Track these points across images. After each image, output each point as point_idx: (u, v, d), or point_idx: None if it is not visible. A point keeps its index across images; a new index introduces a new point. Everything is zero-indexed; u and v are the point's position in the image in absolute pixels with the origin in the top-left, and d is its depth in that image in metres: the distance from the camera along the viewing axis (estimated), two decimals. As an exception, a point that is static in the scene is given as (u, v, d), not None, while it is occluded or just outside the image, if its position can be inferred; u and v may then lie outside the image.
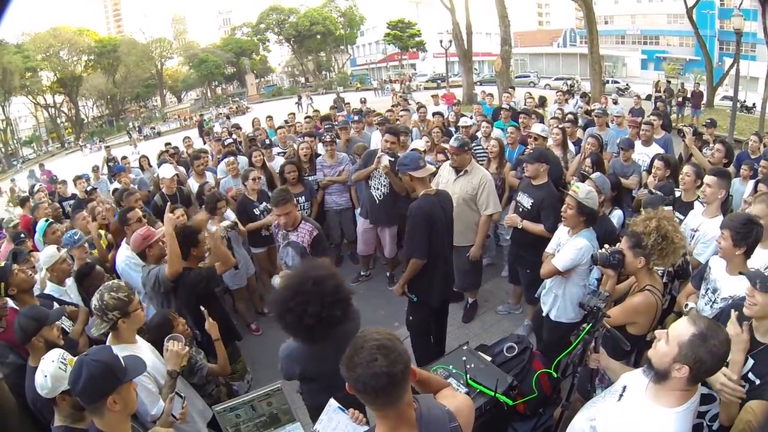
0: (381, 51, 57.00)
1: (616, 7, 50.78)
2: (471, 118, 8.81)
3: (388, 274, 6.68)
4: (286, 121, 11.44)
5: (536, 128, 6.34)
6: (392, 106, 11.63)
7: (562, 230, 4.04)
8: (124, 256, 4.48)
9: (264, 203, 5.88)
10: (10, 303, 3.65)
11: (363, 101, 13.19)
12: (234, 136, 10.15)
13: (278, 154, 7.85)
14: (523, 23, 54.55)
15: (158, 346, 2.96)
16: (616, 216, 4.63)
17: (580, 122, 8.61)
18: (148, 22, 56.52)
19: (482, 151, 6.93)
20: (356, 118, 8.40)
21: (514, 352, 3.74)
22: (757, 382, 2.34)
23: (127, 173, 8.44)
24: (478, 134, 7.63)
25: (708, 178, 4.02)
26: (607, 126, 7.97)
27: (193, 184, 6.81)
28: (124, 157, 11.08)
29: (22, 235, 5.57)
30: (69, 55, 50.41)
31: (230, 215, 5.41)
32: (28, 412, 2.84)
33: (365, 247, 6.61)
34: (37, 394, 2.40)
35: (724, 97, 23.80)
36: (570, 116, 8.12)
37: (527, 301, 5.28)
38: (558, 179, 5.50)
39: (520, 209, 4.90)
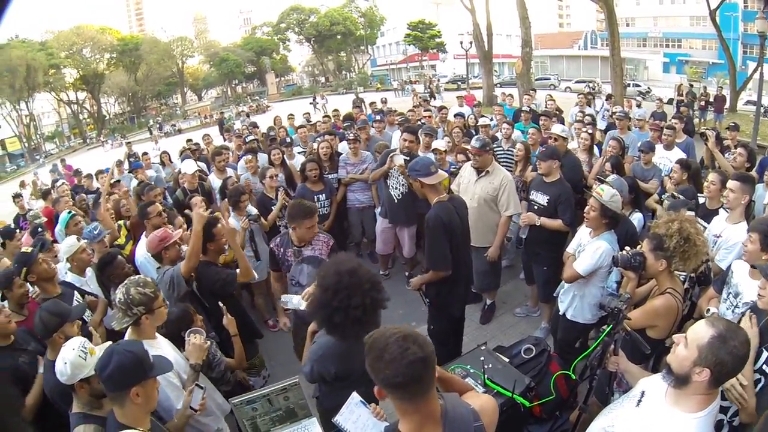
0: (401, 52, 56.97)
1: (638, 9, 50.11)
2: (491, 119, 8.77)
3: (406, 273, 6.67)
4: (308, 120, 11.50)
5: (556, 129, 6.31)
6: (413, 106, 11.62)
7: (583, 231, 4.02)
8: (144, 252, 4.49)
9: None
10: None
11: (384, 101, 13.19)
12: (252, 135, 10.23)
13: (299, 152, 7.89)
14: (543, 25, 54.12)
15: (175, 340, 2.99)
16: (636, 219, 4.60)
17: (601, 125, 8.53)
18: (169, 20, 57.01)
19: (503, 152, 6.92)
20: (378, 117, 8.41)
21: (532, 354, 3.72)
22: None
23: (143, 170, 8.52)
24: (498, 135, 7.60)
25: (731, 183, 3.93)
26: (629, 129, 7.89)
27: (214, 180, 6.89)
28: (145, 153, 11.18)
29: (40, 229, 5.68)
30: (92, 53, 51.30)
31: (252, 209, 5.46)
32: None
33: (384, 247, 6.62)
34: (55, 385, 2.46)
35: (748, 102, 23.30)
36: (588, 118, 8.05)
37: (542, 299, 5.27)
38: (579, 182, 5.48)
39: (536, 207, 4.93)
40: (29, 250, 3.87)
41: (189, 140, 11.43)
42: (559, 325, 4.22)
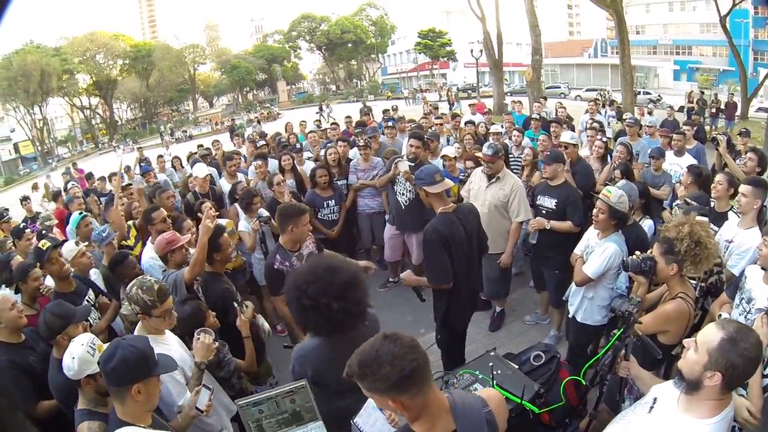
0: (412, 60, 57.21)
1: (648, 16, 50.06)
2: (502, 127, 8.78)
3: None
4: (318, 126, 11.54)
5: (565, 136, 6.29)
6: (425, 114, 11.63)
7: (590, 232, 4.03)
8: (149, 256, 4.54)
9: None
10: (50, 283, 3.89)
11: (394, 109, 13.24)
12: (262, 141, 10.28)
13: (308, 158, 7.92)
14: (553, 33, 54.16)
15: (188, 338, 3.00)
16: (647, 225, 4.55)
17: (609, 133, 8.52)
18: (182, 28, 57.71)
19: (513, 159, 6.93)
20: (390, 124, 8.45)
21: (541, 361, 3.70)
22: None
23: (153, 174, 8.56)
24: (508, 142, 7.60)
25: (743, 188, 3.86)
26: (639, 136, 7.86)
27: (224, 185, 6.93)
28: (160, 156, 11.29)
29: (44, 231, 5.76)
30: (105, 59, 52.14)
31: (264, 211, 5.49)
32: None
33: (392, 253, 6.61)
34: (61, 382, 2.49)
35: (759, 108, 23.29)
36: (596, 125, 8.04)
37: (553, 304, 5.23)
38: (591, 189, 5.46)
39: (543, 211, 4.94)
40: (45, 246, 3.92)
41: (200, 146, 11.50)
42: (570, 329, 4.22)
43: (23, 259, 4.41)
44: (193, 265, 3.58)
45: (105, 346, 2.38)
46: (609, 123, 10.47)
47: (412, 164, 5.76)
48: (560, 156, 5.06)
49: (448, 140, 8.45)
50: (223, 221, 5.27)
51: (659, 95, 33.39)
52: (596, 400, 2.95)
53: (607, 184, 4.30)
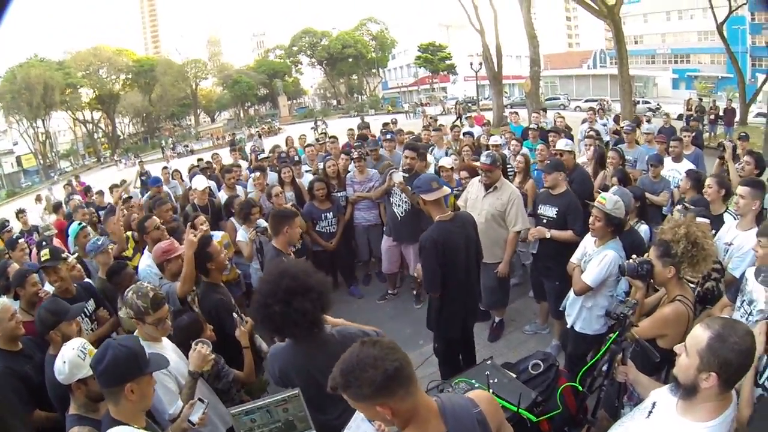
0: (412, 74, 57.49)
1: (646, 26, 50.37)
2: (501, 137, 8.80)
3: (414, 292, 6.63)
4: (317, 140, 11.59)
5: (560, 144, 6.32)
6: (423, 127, 11.68)
7: (587, 240, 3.99)
8: (146, 264, 4.59)
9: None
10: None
11: (394, 122, 13.34)
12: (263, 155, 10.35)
13: (306, 171, 7.95)
14: (552, 45, 54.50)
15: (184, 348, 2.99)
16: (643, 230, 4.53)
17: (606, 139, 8.57)
18: (184, 43, 58.17)
19: (511, 168, 6.94)
20: (388, 137, 8.51)
21: (540, 370, 3.65)
22: None
23: (160, 188, 8.59)
24: (506, 152, 7.62)
25: (741, 189, 3.85)
26: (637, 143, 7.88)
27: (223, 197, 6.92)
28: (165, 168, 11.36)
29: (44, 243, 5.78)
30: (108, 73, 52.61)
31: (262, 222, 5.49)
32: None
33: (389, 265, 6.58)
34: (56, 381, 2.46)
35: (758, 114, 23.31)
36: (593, 133, 8.07)
37: (554, 315, 5.17)
38: (589, 196, 5.45)
39: (544, 221, 4.90)
40: (45, 256, 3.99)
41: (200, 159, 11.55)
42: (569, 339, 4.17)
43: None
44: (183, 281, 3.61)
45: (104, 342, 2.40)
46: (607, 131, 10.50)
47: (407, 175, 5.79)
48: (560, 165, 5.05)
49: (446, 152, 8.47)
50: (219, 234, 5.32)
51: (658, 104, 33.52)
52: (594, 406, 2.91)
53: (600, 192, 4.28)
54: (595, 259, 3.74)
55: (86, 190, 11.26)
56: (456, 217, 3.93)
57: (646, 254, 3.13)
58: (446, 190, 3.94)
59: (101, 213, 7.69)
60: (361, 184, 6.79)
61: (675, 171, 6.25)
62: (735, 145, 6.69)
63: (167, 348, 2.91)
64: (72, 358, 2.37)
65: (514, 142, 7.59)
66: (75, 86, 48.79)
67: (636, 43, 48.46)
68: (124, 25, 68.12)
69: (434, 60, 52.32)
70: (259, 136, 25.77)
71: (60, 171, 45.92)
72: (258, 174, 6.95)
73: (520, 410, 2.92)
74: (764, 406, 2.18)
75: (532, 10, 24.88)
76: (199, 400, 2.65)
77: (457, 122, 12.69)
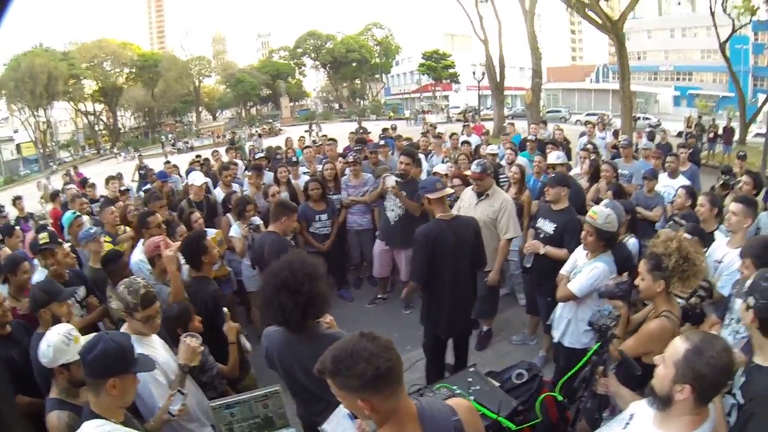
0: (415, 81, 57.73)
1: (650, 42, 50.75)
2: (499, 148, 8.83)
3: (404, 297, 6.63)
4: (314, 141, 11.61)
5: (551, 157, 6.35)
6: (422, 133, 11.72)
7: (579, 252, 3.96)
8: (138, 258, 4.55)
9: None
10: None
11: (393, 128, 13.41)
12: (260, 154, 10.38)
13: (304, 173, 7.96)
14: (556, 58, 54.83)
15: (173, 337, 3.02)
16: (631, 244, 4.51)
17: (604, 155, 8.62)
18: (189, 40, 58.25)
19: (504, 178, 6.94)
20: (382, 142, 8.52)
21: (524, 379, 3.64)
22: (742, 401, 2.26)
23: (166, 183, 8.57)
24: (502, 162, 7.64)
25: (734, 206, 3.86)
26: (634, 158, 7.91)
27: (219, 194, 6.96)
28: (167, 162, 11.39)
29: (46, 227, 5.82)
30: (112, 66, 52.82)
31: (256, 219, 5.53)
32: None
33: (381, 269, 6.59)
34: (40, 364, 2.49)
35: (757, 134, 23.41)
36: (590, 146, 8.10)
37: (545, 329, 5.17)
38: (581, 208, 5.45)
39: (541, 235, 4.82)
40: (44, 239, 4.11)
41: (198, 156, 11.58)
42: (560, 354, 4.13)
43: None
44: (173, 294, 3.63)
45: (82, 338, 2.45)
46: (605, 144, 10.56)
47: (399, 179, 5.81)
48: (564, 179, 4.91)
49: (443, 159, 8.50)
50: (213, 231, 5.34)
51: (659, 120, 33.57)
52: (574, 415, 2.91)
53: (592, 204, 4.28)
54: (585, 269, 3.72)
55: (83, 182, 11.26)
56: (456, 219, 4.12)
57: (624, 275, 3.12)
58: (449, 190, 4.28)
59: (94, 206, 7.70)
60: (356, 188, 6.79)
61: (670, 187, 6.24)
62: (729, 167, 6.74)
63: (156, 343, 2.91)
64: (56, 342, 2.40)
65: (508, 151, 7.61)
66: (78, 77, 49.03)
67: (639, 59, 48.82)
68: (131, 19, 68.40)
69: (437, 68, 52.49)
70: (260, 136, 25.82)
71: (59, 161, 45.82)
72: (250, 173, 7.02)
73: (499, 418, 2.92)
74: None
75: (537, 23, 25.05)
76: (179, 391, 2.65)
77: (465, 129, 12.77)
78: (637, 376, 2.60)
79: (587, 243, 3.70)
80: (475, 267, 4.28)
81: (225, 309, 3.58)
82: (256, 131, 35.89)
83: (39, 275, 4.11)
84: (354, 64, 57.98)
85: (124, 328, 2.85)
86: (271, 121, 52.12)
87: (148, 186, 8.75)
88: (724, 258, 3.83)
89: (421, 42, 54.37)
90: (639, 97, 41.06)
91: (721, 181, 6.43)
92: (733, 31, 24.62)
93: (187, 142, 43.47)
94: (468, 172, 5.46)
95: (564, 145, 9.30)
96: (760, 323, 2.24)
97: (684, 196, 5.11)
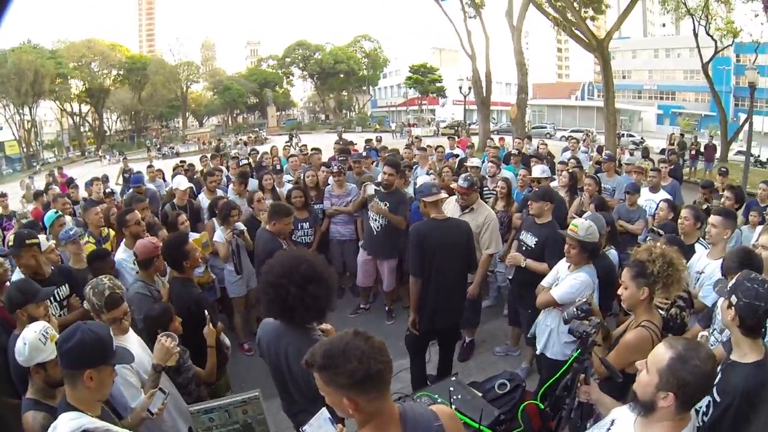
0: (402, 94, 57.85)
1: (634, 62, 51.77)
2: (482, 161, 8.89)
3: (386, 308, 6.63)
4: (301, 150, 11.61)
5: (536, 171, 6.41)
6: (406, 145, 11.78)
7: (561, 264, 3.98)
8: (120, 257, 4.54)
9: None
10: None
11: (378, 139, 13.50)
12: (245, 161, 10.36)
13: (288, 181, 7.95)
14: (543, 75, 55.46)
15: (152, 338, 2.97)
16: (612, 255, 4.56)
17: (587, 169, 8.74)
18: (179, 44, 57.83)
19: (488, 192, 7.00)
20: (364, 154, 8.55)
21: (506, 389, 3.64)
22: (718, 399, 2.29)
23: (141, 188, 8.51)
24: (485, 174, 7.69)
25: (713, 218, 3.96)
26: (616, 173, 8.02)
27: (203, 200, 6.93)
28: (150, 166, 11.30)
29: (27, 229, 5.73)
30: (100, 67, 51.97)
31: (240, 225, 5.52)
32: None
33: (364, 279, 6.58)
34: (17, 363, 2.44)
35: (739, 152, 24.02)
36: (573, 161, 8.20)
37: (527, 341, 5.19)
38: (563, 221, 5.50)
39: (524, 248, 4.85)
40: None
41: (182, 161, 11.51)
42: (543, 366, 4.13)
43: None
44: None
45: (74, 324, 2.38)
46: (588, 158, 10.72)
47: (378, 188, 5.83)
48: (548, 194, 4.96)
49: (428, 171, 8.53)
50: (196, 235, 5.30)
51: (642, 138, 34.12)
52: (555, 423, 2.91)
53: (574, 217, 4.32)
54: (567, 278, 3.73)
55: (69, 182, 11.13)
56: (448, 220, 4.41)
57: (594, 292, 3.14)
58: (443, 194, 4.61)
59: (76, 207, 7.62)
60: (339, 197, 6.79)
61: (651, 201, 6.36)
62: (710, 182, 6.86)
63: (132, 341, 2.88)
64: (32, 340, 2.35)
65: (490, 164, 7.68)
66: (66, 77, 48.09)
67: (624, 77, 49.68)
68: (121, 20, 67.88)
69: (424, 82, 52.76)
70: (245, 144, 25.70)
71: (43, 161, 45.01)
72: (238, 179, 7.02)
73: (481, 427, 2.91)
74: None
75: (525, 39, 25.38)
76: (160, 389, 2.62)
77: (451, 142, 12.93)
78: (619, 384, 2.62)
79: (571, 256, 3.72)
80: (467, 267, 4.54)
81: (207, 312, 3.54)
82: (241, 139, 35.79)
83: (19, 273, 4.04)
84: (341, 76, 58.02)
85: None
86: (257, 129, 51.67)
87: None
88: (705, 269, 3.91)
89: (409, 55, 54.69)
90: (623, 114, 41.67)
91: (705, 206, 6.50)
92: (716, 52, 25.37)
93: (173, 148, 43.02)
94: (453, 185, 5.50)
95: (548, 159, 9.41)
96: (740, 321, 2.29)
97: (666, 210, 5.25)
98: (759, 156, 26.45)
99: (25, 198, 12.32)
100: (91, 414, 2.10)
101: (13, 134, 44.92)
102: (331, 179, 7.09)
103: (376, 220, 6.05)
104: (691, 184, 14.19)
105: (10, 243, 3.99)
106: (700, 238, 4.45)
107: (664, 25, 53.46)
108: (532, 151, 10.87)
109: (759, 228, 5.14)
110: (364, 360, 1.55)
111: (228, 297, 5.90)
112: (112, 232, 5.54)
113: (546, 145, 10.78)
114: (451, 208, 5.32)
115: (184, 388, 3.19)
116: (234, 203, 5.87)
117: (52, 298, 3.73)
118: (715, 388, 2.28)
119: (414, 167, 8.52)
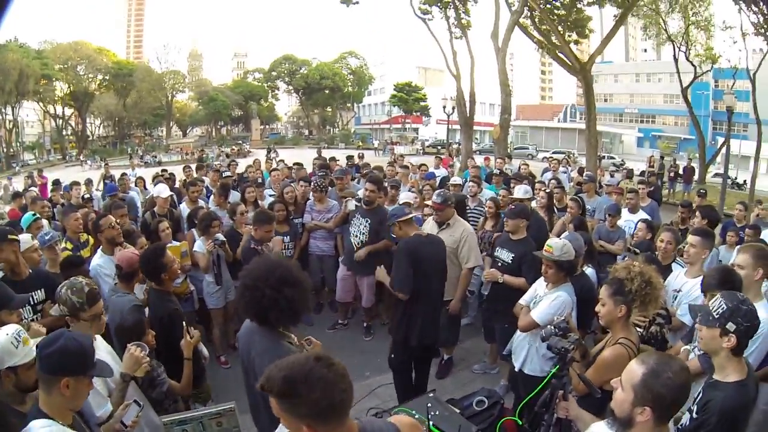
0: (386, 113, 58.21)
1: (616, 85, 53.00)
2: (465, 180, 8.96)
3: (365, 324, 6.58)
4: (286, 165, 11.60)
5: (518, 191, 6.47)
6: (389, 163, 11.84)
7: (539, 283, 4.00)
8: (96, 263, 4.49)
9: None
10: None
11: (361, 156, 13.58)
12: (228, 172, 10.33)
13: (270, 195, 7.92)
14: (526, 97, 56.27)
15: (124, 348, 2.90)
16: (589, 273, 4.62)
17: (568, 189, 8.87)
18: (166, 52, 57.53)
19: (469, 210, 7.00)
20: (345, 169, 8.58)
21: (484, 406, 3.64)
22: (695, 416, 2.32)
23: (117, 196, 8.42)
24: (466, 192, 7.73)
25: (691, 238, 4.03)
26: (596, 194, 8.15)
27: (184, 209, 6.90)
28: (124, 174, 11.17)
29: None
30: (86, 70, 51.70)
31: (220, 236, 5.47)
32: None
33: (343, 294, 6.56)
34: None
35: (716, 174, 24.67)
36: (554, 182, 8.31)
37: (503, 357, 5.19)
38: (543, 241, 5.54)
39: (499, 264, 4.90)
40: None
41: (164, 170, 11.42)
42: (519, 382, 4.13)
43: None
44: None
45: (32, 340, 2.33)
46: (569, 178, 10.89)
47: (358, 203, 5.82)
48: (524, 211, 5.03)
49: (409, 189, 8.57)
50: (176, 244, 5.25)
51: (623, 160, 34.81)
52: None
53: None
54: (546, 298, 3.75)
55: (54, 183, 10.98)
56: (429, 236, 4.52)
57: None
58: (414, 214, 4.80)
59: (55, 210, 7.52)
60: (320, 213, 6.78)
61: (630, 221, 6.47)
62: (687, 201, 6.99)
63: (100, 348, 2.80)
64: (4, 343, 2.27)
65: (471, 183, 7.74)
66: (50, 78, 47.64)
67: (606, 101, 50.77)
68: (109, 25, 67.50)
69: (409, 100, 53.24)
70: (227, 156, 25.62)
71: (23, 162, 44.12)
72: (219, 191, 7.02)
73: (460, 443, 2.90)
74: None
75: (509, 61, 25.67)
76: (135, 402, 2.56)
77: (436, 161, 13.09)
78: (597, 400, 2.63)
79: (548, 276, 3.75)
80: (443, 282, 4.54)
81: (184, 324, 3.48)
82: (224, 151, 35.59)
83: None
84: (327, 92, 58.29)
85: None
86: (240, 142, 51.50)
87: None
88: (683, 287, 3.96)
89: (394, 73, 55.17)
90: (604, 137, 42.55)
91: (685, 227, 6.61)
92: (695, 77, 26.11)
93: (155, 156, 42.69)
94: (429, 202, 5.53)
95: (530, 180, 9.50)
96: (737, 345, 2.30)
97: (644, 230, 5.37)
98: (736, 178, 27.32)
99: (2, 199, 12.09)
100: (63, 423, 2.05)
101: (-7, 134, 44.14)
102: (311, 193, 7.08)
103: (356, 236, 6.03)
104: (670, 205, 14.46)
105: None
106: (677, 258, 4.53)
107: (645, 51, 54.91)
108: (512, 172, 10.98)
109: (737, 249, 5.26)
110: (328, 390, 1.47)
111: (206, 308, 5.80)
112: (92, 239, 5.46)
113: (528, 165, 10.91)
114: (429, 226, 5.35)
115: (159, 404, 3.11)
116: (215, 214, 5.86)
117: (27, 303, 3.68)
118: (695, 405, 2.32)
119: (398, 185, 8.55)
